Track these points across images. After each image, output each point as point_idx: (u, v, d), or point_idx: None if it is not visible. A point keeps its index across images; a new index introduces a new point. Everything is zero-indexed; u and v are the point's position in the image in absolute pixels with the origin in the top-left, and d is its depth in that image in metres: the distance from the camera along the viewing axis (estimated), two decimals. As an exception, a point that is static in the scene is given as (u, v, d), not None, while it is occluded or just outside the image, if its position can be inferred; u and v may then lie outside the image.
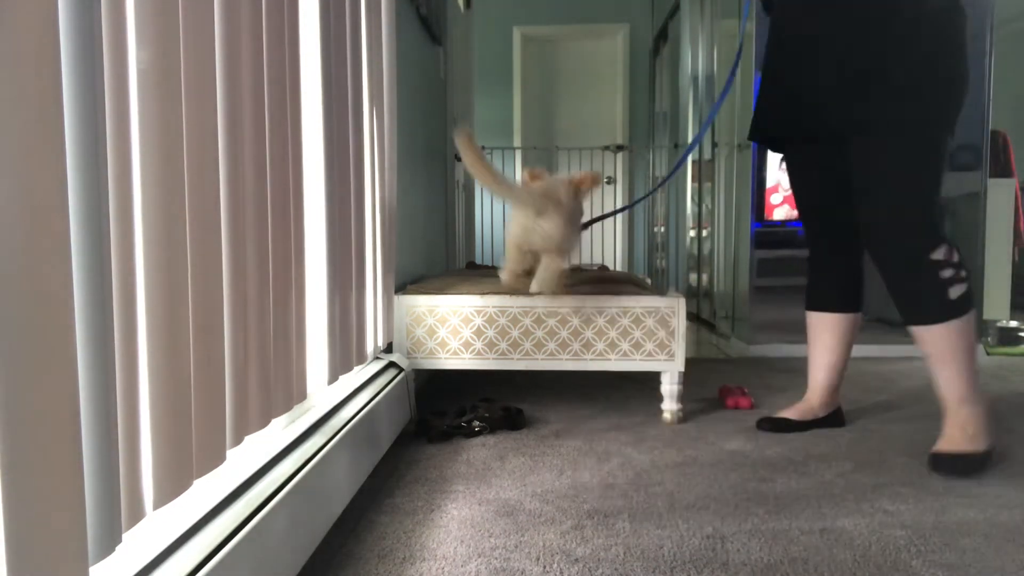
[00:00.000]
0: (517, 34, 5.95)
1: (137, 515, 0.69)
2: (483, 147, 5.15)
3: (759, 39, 3.11)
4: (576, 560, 1.15)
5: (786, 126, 1.85)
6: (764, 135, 1.91)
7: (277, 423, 1.20)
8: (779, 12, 1.86)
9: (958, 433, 1.63)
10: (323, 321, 1.33)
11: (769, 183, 3.54)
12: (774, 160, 3.26)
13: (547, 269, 1.71)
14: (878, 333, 3.27)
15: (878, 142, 1.67)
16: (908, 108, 1.64)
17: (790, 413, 1.94)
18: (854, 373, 2.70)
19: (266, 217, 1.00)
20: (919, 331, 1.66)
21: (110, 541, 0.63)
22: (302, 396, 1.18)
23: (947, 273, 1.61)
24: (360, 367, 1.69)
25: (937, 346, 1.63)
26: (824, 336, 1.93)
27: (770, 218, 3.71)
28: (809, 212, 1.92)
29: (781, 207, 3.55)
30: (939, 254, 1.61)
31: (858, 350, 3.09)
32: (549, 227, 1.65)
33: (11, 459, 0.50)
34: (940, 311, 1.61)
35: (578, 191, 1.82)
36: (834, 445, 1.79)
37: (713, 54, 4.09)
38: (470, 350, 1.97)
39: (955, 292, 1.61)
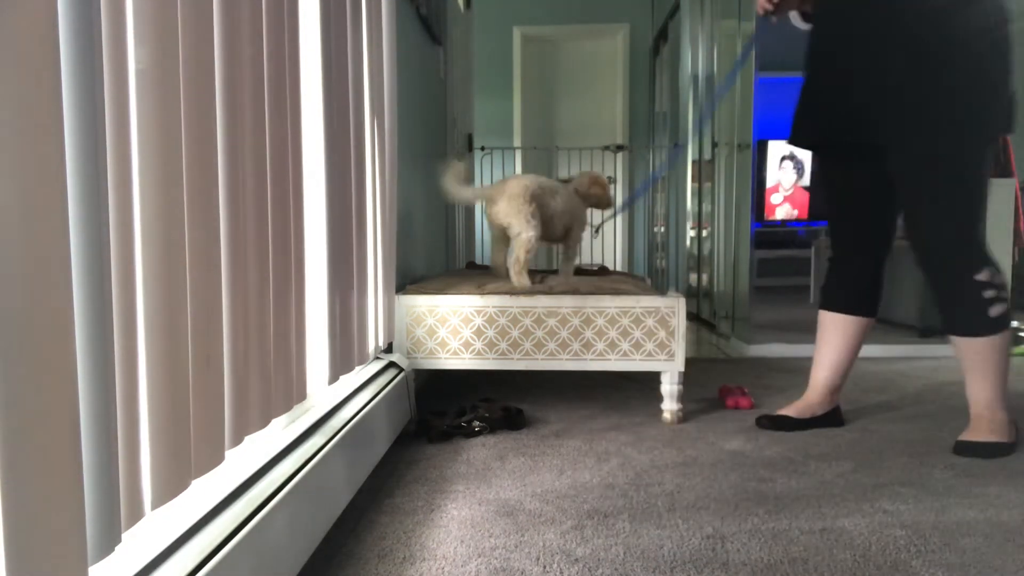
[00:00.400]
0: (517, 34, 5.95)
1: (136, 515, 0.69)
2: (483, 147, 5.15)
3: (758, 40, 3.11)
4: (576, 560, 1.15)
5: (827, 132, 1.85)
6: (804, 140, 1.92)
7: (277, 423, 1.20)
8: (821, 20, 1.85)
9: (984, 426, 1.73)
10: (323, 321, 1.33)
11: (769, 183, 3.55)
12: (774, 160, 3.26)
13: (514, 240, 2.11)
14: (878, 333, 3.27)
15: (921, 159, 1.69)
16: (951, 123, 1.66)
17: (789, 411, 1.95)
18: (854, 373, 2.70)
19: (266, 217, 1.00)
20: (957, 340, 1.74)
21: (109, 541, 0.63)
22: (302, 396, 1.18)
23: (989, 293, 1.67)
24: (360, 367, 1.69)
25: (972, 356, 1.73)
26: (833, 336, 1.94)
27: (770, 218, 3.70)
28: (840, 215, 1.92)
29: (781, 207, 3.55)
30: (983, 275, 1.68)
31: (858, 350, 3.09)
32: (498, 207, 2.11)
33: (11, 459, 0.50)
34: (980, 327, 1.69)
35: (588, 188, 2.30)
36: (834, 445, 1.79)
37: (713, 54, 4.09)
38: (470, 350, 1.97)
39: (995, 311, 1.68)
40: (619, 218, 5.98)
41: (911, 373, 2.71)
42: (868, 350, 3.08)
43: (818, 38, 1.86)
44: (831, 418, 1.97)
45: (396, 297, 1.96)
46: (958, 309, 1.72)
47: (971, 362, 1.74)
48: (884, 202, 1.85)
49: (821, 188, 1.98)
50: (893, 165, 1.75)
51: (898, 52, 1.69)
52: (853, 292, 1.92)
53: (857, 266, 1.92)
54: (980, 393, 1.75)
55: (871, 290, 1.91)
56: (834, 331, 1.94)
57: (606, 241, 5.77)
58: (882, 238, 1.88)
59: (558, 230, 2.21)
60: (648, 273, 5.83)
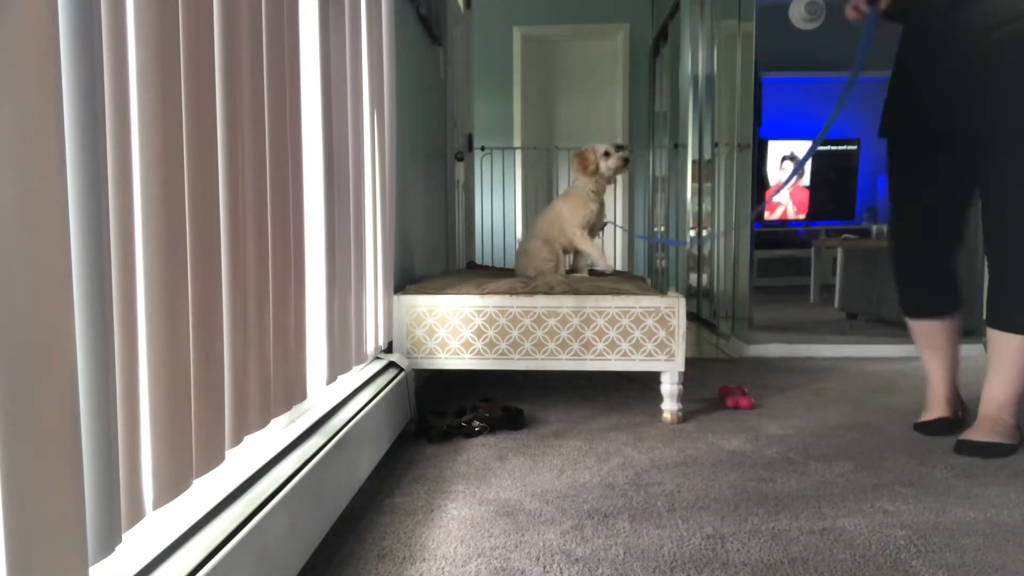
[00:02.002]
0: (517, 34, 5.94)
1: (137, 515, 0.69)
2: (483, 147, 5.15)
3: (758, 39, 3.11)
4: (576, 560, 1.15)
5: (923, 124, 1.84)
6: (898, 131, 1.90)
7: (277, 423, 1.20)
8: (918, 14, 1.84)
9: (988, 426, 1.74)
10: (322, 321, 1.33)
11: (770, 182, 3.54)
12: (774, 160, 3.26)
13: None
14: (878, 333, 3.27)
15: (1014, 152, 1.69)
16: None
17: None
18: (855, 372, 2.70)
19: (265, 217, 1.00)
20: (997, 335, 1.76)
21: (110, 541, 0.63)
22: (302, 396, 1.18)
23: None
24: (360, 367, 1.69)
25: (1004, 354, 1.74)
26: (941, 342, 1.92)
27: (770, 218, 3.70)
28: (921, 214, 1.88)
29: (780, 207, 3.55)
30: None
31: (858, 350, 3.10)
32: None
33: (11, 459, 0.50)
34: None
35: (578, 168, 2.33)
36: (834, 445, 1.79)
37: (713, 54, 4.09)
38: (470, 350, 1.97)
39: None
40: (619, 219, 5.98)
41: (911, 373, 2.71)
42: (868, 350, 3.09)
43: (914, 29, 1.85)
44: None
45: (396, 297, 1.96)
46: (1010, 304, 1.73)
47: (1000, 360, 1.75)
48: (962, 201, 1.84)
49: (901, 193, 1.92)
50: (984, 155, 1.75)
51: (1000, 40, 1.68)
52: (939, 295, 1.91)
53: (940, 269, 1.90)
54: (997, 392, 1.76)
55: (956, 287, 1.90)
56: (942, 338, 1.92)
57: (606, 241, 5.77)
58: (959, 237, 1.87)
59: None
60: (648, 273, 5.83)
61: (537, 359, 1.96)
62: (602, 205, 2.31)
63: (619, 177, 5.97)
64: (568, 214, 2.27)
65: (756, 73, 3.21)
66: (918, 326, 1.95)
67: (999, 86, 1.68)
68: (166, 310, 0.73)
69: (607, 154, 2.27)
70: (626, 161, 2.28)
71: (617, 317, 1.93)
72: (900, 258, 1.96)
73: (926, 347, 1.96)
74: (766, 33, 3.07)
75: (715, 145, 4.00)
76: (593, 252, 2.30)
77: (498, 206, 5.74)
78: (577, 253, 2.37)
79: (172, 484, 0.74)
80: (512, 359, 1.96)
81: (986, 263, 1.81)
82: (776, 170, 3.63)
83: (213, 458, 0.84)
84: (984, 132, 1.72)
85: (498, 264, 5.25)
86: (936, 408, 1.93)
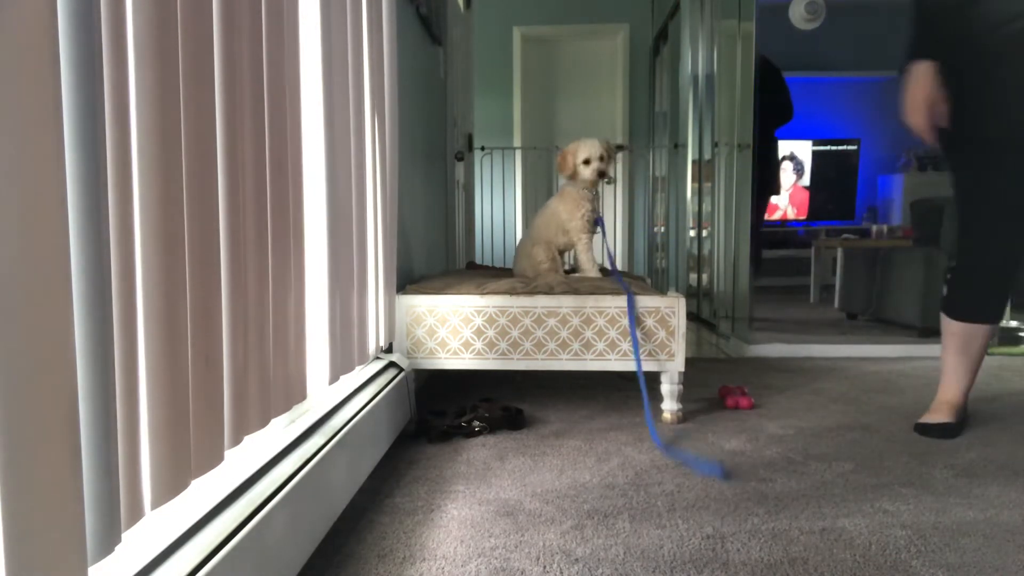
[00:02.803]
0: (517, 34, 5.95)
1: (136, 515, 0.69)
2: (483, 147, 5.15)
3: (758, 40, 3.11)
4: (576, 560, 1.15)
5: (982, 128, 1.83)
6: (959, 135, 1.88)
7: (277, 423, 1.20)
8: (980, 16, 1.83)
9: None
10: (323, 321, 1.33)
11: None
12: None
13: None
14: (878, 333, 3.27)
15: None
16: None
17: (952, 417, 1.91)
18: (855, 372, 2.70)
19: (265, 217, 1.00)
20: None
21: (109, 541, 0.63)
22: (302, 396, 1.18)
23: None
24: (360, 367, 1.69)
25: None
26: (978, 344, 1.93)
27: (770, 218, 3.71)
28: (1007, 218, 1.85)
29: (779, 207, 3.55)
30: None
31: (858, 350, 3.10)
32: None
33: (11, 459, 0.50)
34: None
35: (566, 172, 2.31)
36: (834, 445, 1.79)
37: (713, 54, 4.09)
38: (470, 350, 1.97)
39: None
40: (619, 219, 5.98)
41: (911, 373, 2.71)
42: (868, 350, 3.09)
43: (970, 35, 1.82)
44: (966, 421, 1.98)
45: (396, 297, 1.96)
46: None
47: None
48: None
49: (970, 197, 1.89)
50: None
51: None
52: (997, 301, 1.90)
53: (1006, 274, 1.88)
54: None
55: (1008, 294, 1.90)
56: (979, 343, 1.92)
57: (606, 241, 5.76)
58: None
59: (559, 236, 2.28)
60: (648, 273, 5.83)
61: (537, 359, 1.96)
62: (597, 199, 2.27)
63: (619, 177, 5.97)
64: (565, 215, 2.24)
65: (776, 72, 3.20)
66: (960, 328, 1.93)
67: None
68: (166, 310, 0.73)
69: (587, 161, 2.21)
70: (602, 175, 2.21)
71: (617, 317, 1.93)
72: (968, 261, 1.92)
73: (960, 351, 1.94)
74: (765, 32, 3.07)
75: (715, 145, 4.00)
76: (587, 264, 2.25)
77: (498, 206, 5.74)
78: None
79: (171, 484, 0.74)
80: (512, 359, 1.96)
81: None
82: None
83: (212, 458, 0.84)
84: None
85: (498, 264, 5.25)
86: (943, 413, 1.92)
